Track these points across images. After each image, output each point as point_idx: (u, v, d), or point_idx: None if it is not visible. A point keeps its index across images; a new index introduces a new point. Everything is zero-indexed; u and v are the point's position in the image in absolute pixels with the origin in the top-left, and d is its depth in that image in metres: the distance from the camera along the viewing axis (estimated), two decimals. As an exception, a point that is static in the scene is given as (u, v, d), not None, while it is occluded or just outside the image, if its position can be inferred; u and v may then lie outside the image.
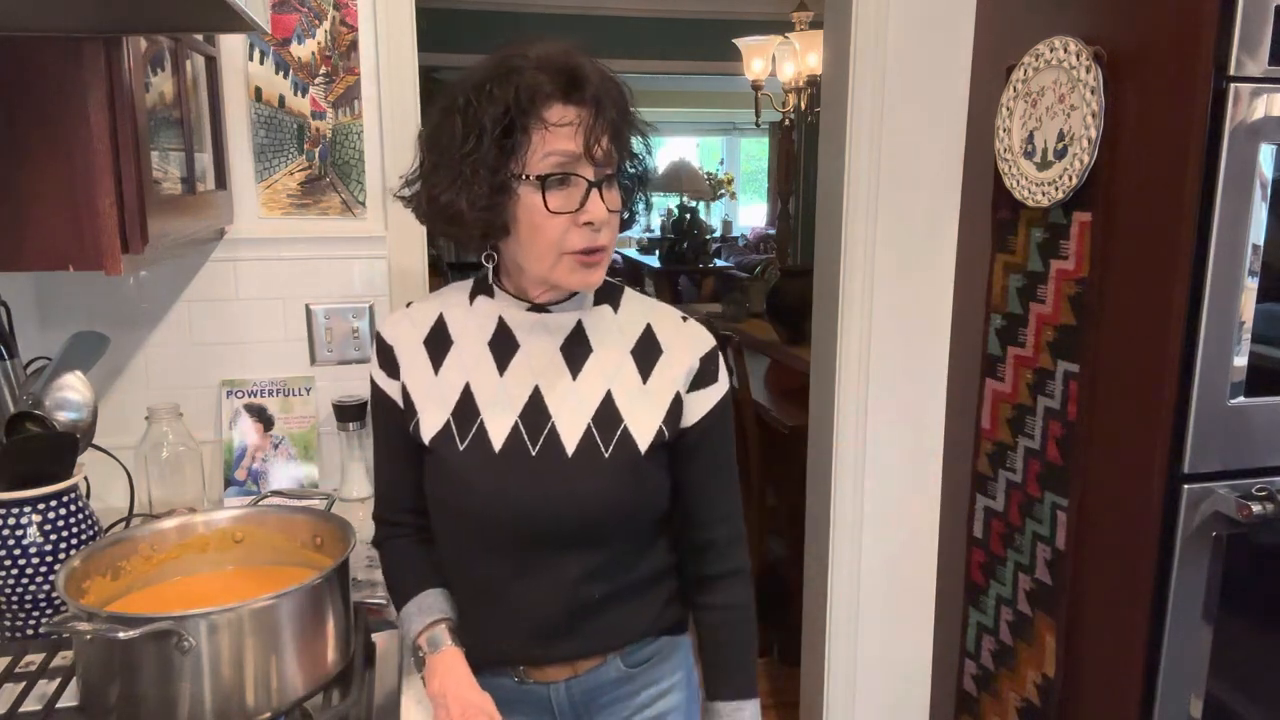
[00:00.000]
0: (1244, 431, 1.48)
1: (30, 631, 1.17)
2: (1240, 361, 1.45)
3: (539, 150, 0.97)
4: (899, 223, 1.95)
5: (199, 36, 1.44)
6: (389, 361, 1.13)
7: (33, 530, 1.16)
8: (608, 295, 1.13)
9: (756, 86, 4.51)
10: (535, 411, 1.06)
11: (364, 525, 1.60)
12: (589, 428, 1.06)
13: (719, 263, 8.22)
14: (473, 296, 1.13)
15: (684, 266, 8.06)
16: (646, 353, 1.10)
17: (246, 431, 1.68)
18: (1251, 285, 1.43)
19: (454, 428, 1.07)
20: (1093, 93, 1.53)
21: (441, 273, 7.35)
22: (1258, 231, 1.42)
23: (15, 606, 1.16)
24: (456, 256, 9.57)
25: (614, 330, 1.11)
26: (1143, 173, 1.48)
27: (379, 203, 1.73)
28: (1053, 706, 1.75)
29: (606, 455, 1.06)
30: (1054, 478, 1.72)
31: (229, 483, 1.68)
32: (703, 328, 1.15)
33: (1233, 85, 1.36)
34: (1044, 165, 1.67)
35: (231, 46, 1.60)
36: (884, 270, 1.96)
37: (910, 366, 2.02)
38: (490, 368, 1.09)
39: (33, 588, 1.16)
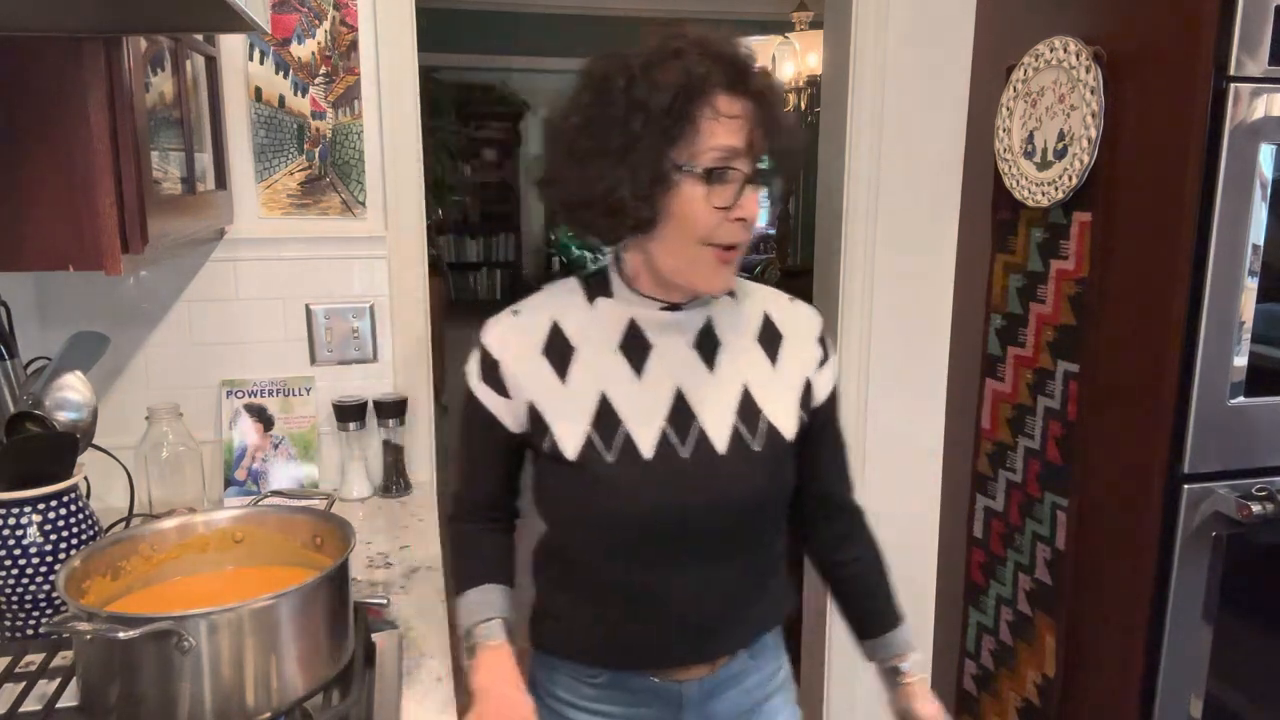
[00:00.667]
0: (1244, 431, 1.48)
1: (30, 631, 1.16)
2: (1240, 361, 1.45)
3: (705, 141, 0.94)
4: (899, 223, 1.95)
5: (199, 36, 1.44)
6: (495, 379, 1.07)
7: (33, 530, 1.16)
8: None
9: (756, 86, 4.50)
10: (680, 413, 1.04)
11: (363, 525, 1.60)
12: (735, 424, 1.04)
13: (719, 263, 8.20)
14: (591, 299, 1.08)
15: (684, 266, 8.04)
16: (770, 340, 1.09)
17: (246, 431, 1.68)
18: (1251, 285, 1.43)
19: (598, 440, 1.03)
20: (1093, 93, 1.53)
21: (441, 273, 7.35)
22: (1258, 231, 1.42)
23: (15, 606, 1.16)
24: (456, 256, 9.58)
25: (739, 321, 1.09)
26: (1143, 173, 1.48)
27: (379, 203, 1.73)
28: (1053, 706, 1.75)
29: (757, 449, 1.04)
30: (1054, 478, 1.72)
31: (229, 483, 1.68)
32: (807, 305, 1.15)
33: (1233, 85, 1.36)
34: (1044, 165, 1.67)
35: (231, 46, 1.60)
36: (884, 270, 1.96)
37: (910, 366, 2.02)
38: (625, 373, 1.04)
39: (33, 588, 1.16)
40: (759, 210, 0.98)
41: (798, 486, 1.12)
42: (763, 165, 0.97)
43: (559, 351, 1.05)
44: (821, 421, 1.12)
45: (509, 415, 1.07)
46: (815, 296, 2.11)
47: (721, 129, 0.94)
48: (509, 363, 1.06)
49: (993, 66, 1.83)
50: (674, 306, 1.05)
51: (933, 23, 1.89)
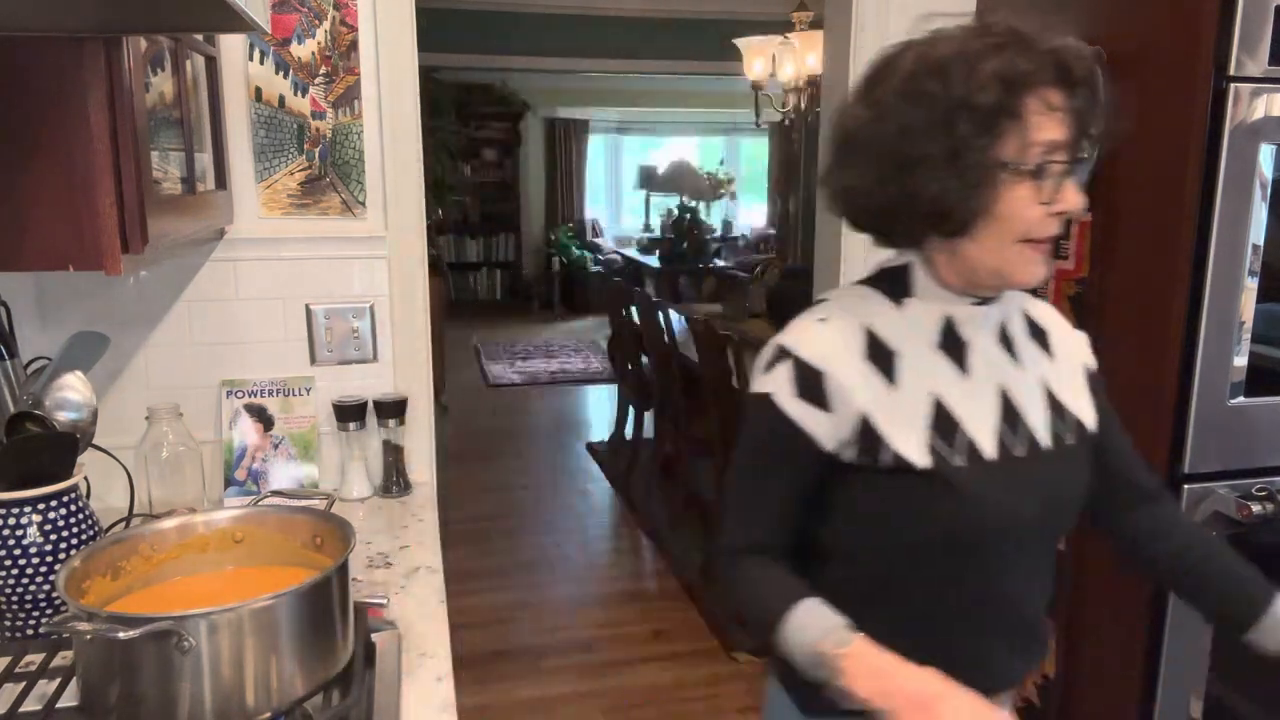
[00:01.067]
0: (1244, 431, 1.48)
1: (30, 631, 1.17)
2: (1240, 361, 1.45)
3: (1029, 137, 0.90)
4: (899, 223, 1.95)
5: (199, 36, 1.44)
6: (814, 392, 0.97)
7: (33, 530, 1.16)
8: None
9: (756, 87, 4.51)
10: (1008, 410, 1.00)
11: (363, 525, 1.60)
12: (1050, 419, 1.02)
13: (719, 263, 8.22)
14: (895, 299, 1.02)
15: (684, 266, 8.08)
16: (1039, 335, 1.07)
17: (246, 431, 1.68)
18: (1251, 285, 1.43)
19: (941, 445, 0.96)
20: (1093, 93, 1.53)
21: (441, 273, 7.36)
22: (1258, 231, 1.42)
23: (15, 606, 1.16)
24: (456, 256, 9.59)
25: (1014, 315, 1.06)
26: (1143, 173, 1.48)
27: (379, 203, 1.73)
28: (1053, 706, 1.75)
29: (1071, 443, 1.03)
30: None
31: (229, 483, 1.68)
32: (1035, 298, 1.13)
33: (1233, 85, 1.36)
34: (1044, 165, 1.67)
35: (231, 46, 1.60)
36: (884, 270, 1.96)
37: (910, 366, 2.02)
38: (951, 373, 0.99)
39: (33, 588, 1.16)
40: (1082, 200, 0.93)
41: (1104, 481, 1.08)
42: (1083, 154, 0.94)
43: (881, 357, 0.98)
44: (1103, 407, 1.09)
45: (828, 432, 0.97)
46: (815, 296, 2.11)
47: (1048, 123, 0.91)
48: (834, 373, 0.97)
49: (993, 66, 1.83)
50: (982, 300, 1.01)
51: (932, 23, 1.88)
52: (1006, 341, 1.03)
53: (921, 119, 0.91)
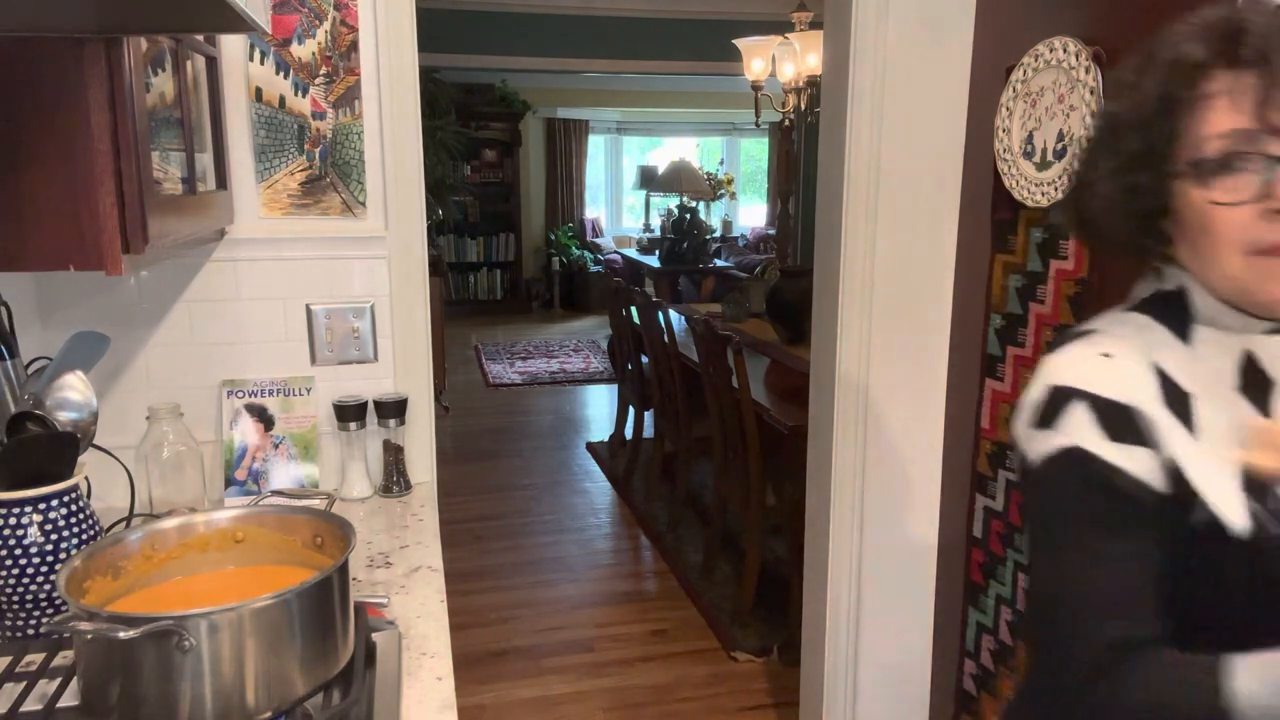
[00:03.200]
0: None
1: (30, 631, 1.17)
2: (1240, 361, 1.45)
3: (1201, 131, 0.80)
4: (899, 223, 1.96)
5: (199, 37, 1.44)
6: (1131, 430, 0.81)
7: (33, 530, 1.16)
8: None
9: (756, 87, 4.52)
10: None
11: (364, 525, 1.60)
12: None
13: (719, 263, 8.23)
14: (1179, 332, 0.88)
15: (684, 266, 8.08)
16: None
17: (247, 431, 1.69)
18: (1251, 285, 1.43)
19: (1257, 507, 0.80)
20: (1092, 93, 1.53)
21: (441, 273, 7.36)
22: (1257, 231, 1.42)
23: (15, 606, 1.16)
24: (456, 256, 9.59)
25: None
26: (1142, 173, 1.48)
27: (379, 203, 1.73)
28: (1052, 706, 1.75)
29: None
30: (1054, 478, 1.72)
31: (229, 483, 1.68)
32: None
33: (1232, 85, 1.36)
34: (1043, 165, 1.67)
35: (232, 47, 1.61)
36: (884, 270, 1.96)
37: (910, 366, 2.02)
38: (1255, 418, 0.84)
39: (33, 588, 1.16)
40: None
41: None
42: None
43: (1175, 400, 0.84)
44: None
45: (1158, 474, 0.81)
46: (815, 296, 2.11)
47: (1213, 113, 0.79)
48: (1144, 409, 0.82)
49: (992, 66, 1.83)
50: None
51: (933, 23, 1.89)
52: None
53: (1118, 112, 0.85)
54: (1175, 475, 0.81)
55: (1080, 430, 0.81)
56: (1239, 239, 0.80)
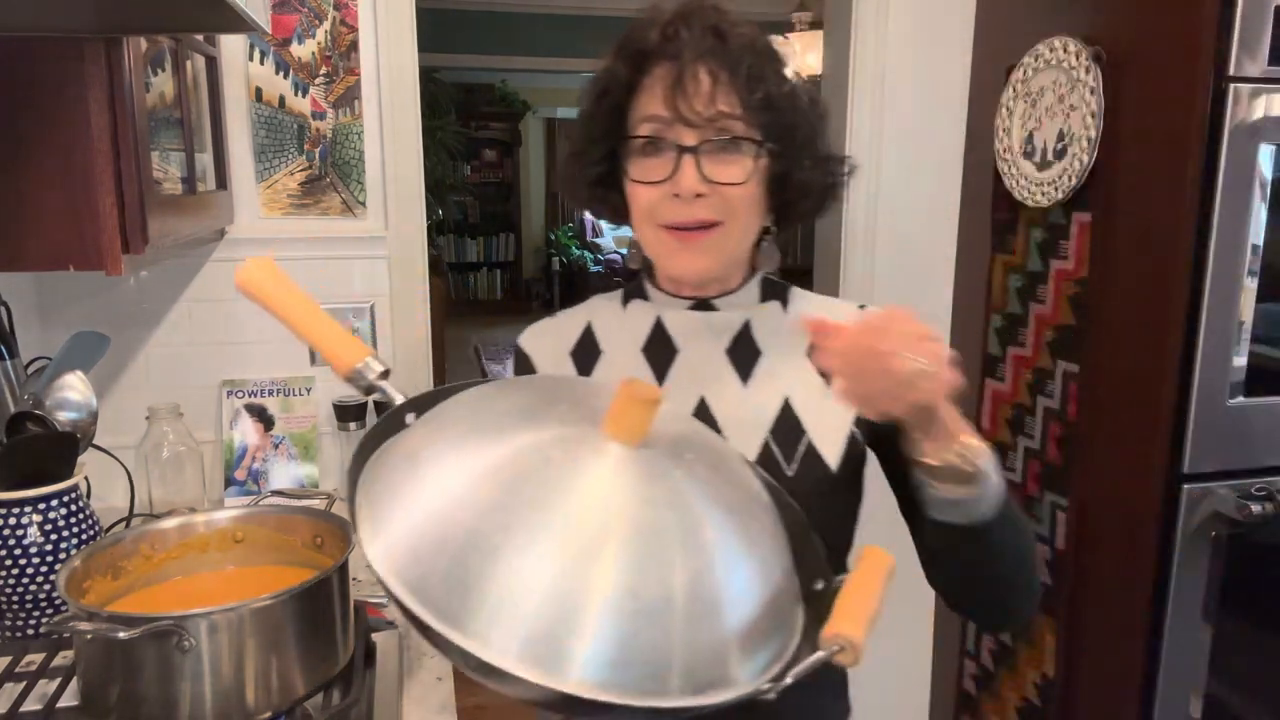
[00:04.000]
0: (1244, 431, 1.48)
1: (30, 631, 1.16)
2: (1240, 361, 1.45)
3: (638, 113, 0.89)
4: (899, 222, 1.96)
5: (199, 37, 1.44)
6: (527, 372, 1.02)
7: (33, 530, 1.16)
8: (775, 291, 1.00)
9: (756, 86, 4.50)
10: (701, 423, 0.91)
11: (364, 525, 1.60)
12: (767, 442, 0.91)
13: (719, 263, 8.20)
14: (625, 300, 1.02)
15: (684, 266, 8.05)
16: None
17: (247, 431, 1.68)
18: (1251, 285, 1.43)
19: None
20: (1092, 93, 1.53)
21: (441, 273, 7.35)
22: (1258, 231, 1.42)
23: (15, 606, 1.16)
24: (456, 256, 9.59)
25: (785, 329, 0.97)
26: (1143, 173, 1.48)
27: (379, 203, 1.73)
28: (1053, 706, 1.75)
29: (790, 474, 0.90)
30: (1054, 478, 1.72)
31: (229, 482, 1.68)
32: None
33: (1233, 85, 1.36)
34: (1044, 165, 1.67)
35: (232, 47, 1.61)
36: (884, 270, 1.96)
37: (910, 366, 2.02)
38: (647, 377, 0.96)
39: (33, 588, 1.16)
40: (705, 185, 0.86)
41: (908, 514, 0.93)
42: (719, 136, 0.86)
43: (585, 354, 1.00)
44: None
45: None
46: (815, 296, 2.11)
47: (647, 98, 0.88)
48: (538, 361, 1.02)
49: (993, 66, 1.83)
50: (704, 304, 0.96)
51: (933, 23, 1.89)
52: (746, 353, 0.95)
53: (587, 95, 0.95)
54: None
55: (512, 367, 1.05)
56: (651, 214, 0.90)
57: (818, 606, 0.72)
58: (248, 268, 0.85)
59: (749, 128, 0.87)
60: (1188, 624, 1.52)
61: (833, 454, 0.92)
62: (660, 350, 0.97)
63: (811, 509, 0.81)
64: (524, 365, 1.03)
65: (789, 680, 0.64)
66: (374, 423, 0.76)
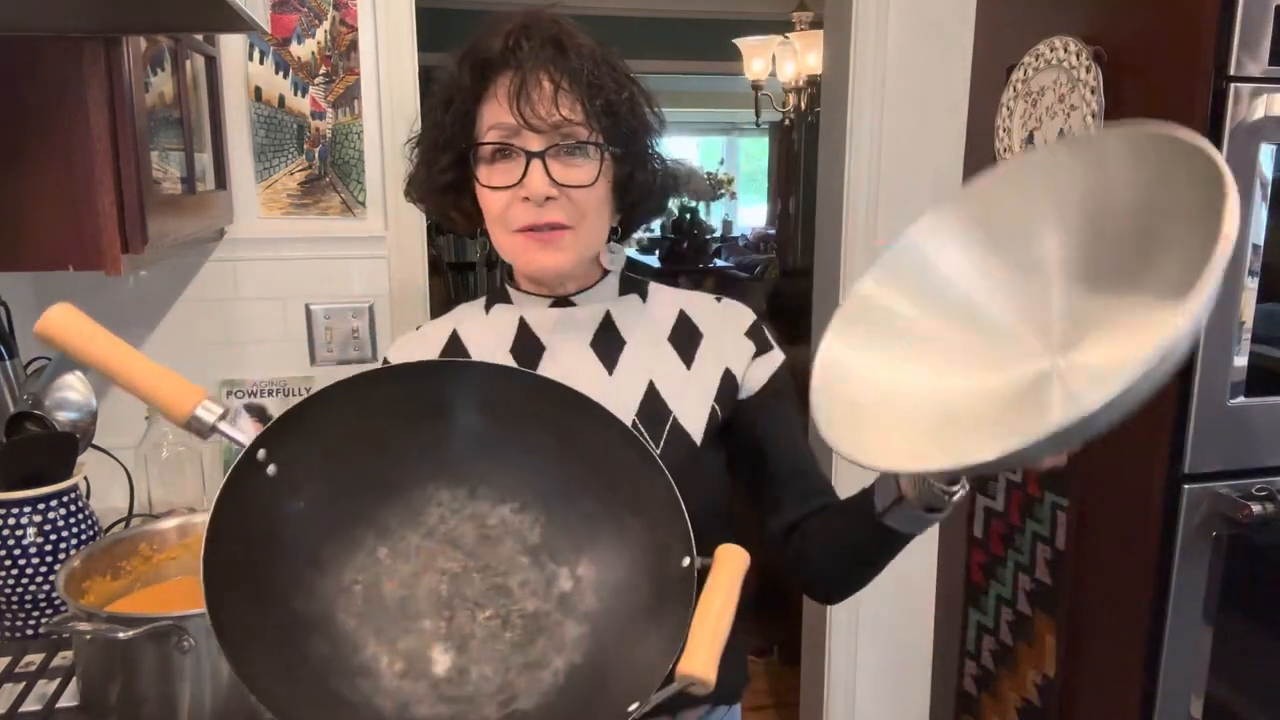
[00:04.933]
0: (1244, 431, 1.48)
1: (30, 631, 1.16)
2: (1240, 361, 1.45)
3: (485, 121, 0.92)
4: (899, 223, 1.94)
5: (199, 36, 1.44)
6: None
7: (32, 530, 1.16)
8: (633, 286, 1.06)
9: (756, 86, 4.51)
10: None
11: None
12: (634, 424, 0.96)
13: (719, 263, 8.22)
14: (488, 306, 1.06)
15: (684, 266, 8.07)
16: (685, 339, 1.02)
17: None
18: (1251, 285, 1.43)
19: None
20: (1093, 92, 1.53)
21: (441, 273, 7.35)
22: (1258, 231, 1.42)
23: (15, 606, 1.16)
24: (456, 256, 9.58)
25: (645, 320, 1.03)
26: (1143, 173, 1.48)
27: (379, 203, 1.73)
28: (1053, 706, 1.75)
29: (658, 451, 0.93)
30: (1054, 478, 1.72)
31: (229, 483, 1.67)
32: (740, 304, 1.08)
33: (1233, 85, 1.36)
34: (1044, 165, 1.67)
35: (231, 46, 1.60)
36: (884, 270, 1.96)
37: (910, 366, 2.02)
38: None
39: (33, 588, 1.16)
40: (555, 188, 0.90)
41: (759, 498, 1.01)
42: (565, 140, 0.90)
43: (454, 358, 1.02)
44: (753, 413, 1.01)
45: None
46: (815, 296, 2.11)
47: (493, 106, 0.90)
48: None
49: (993, 66, 1.83)
50: (564, 301, 1.01)
51: (933, 23, 1.89)
52: (609, 343, 1.00)
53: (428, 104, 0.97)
54: None
55: None
56: (503, 218, 0.92)
57: (681, 585, 0.77)
58: (52, 315, 0.81)
59: (592, 132, 0.91)
60: (1188, 624, 1.51)
61: (696, 429, 0.98)
62: (527, 349, 1.01)
63: (680, 481, 0.85)
64: None
65: (646, 707, 0.69)
66: (219, 494, 0.71)
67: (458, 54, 0.94)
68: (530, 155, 0.89)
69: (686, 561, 0.79)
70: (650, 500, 0.81)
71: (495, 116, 0.90)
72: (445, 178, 0.95)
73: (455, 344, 1.04)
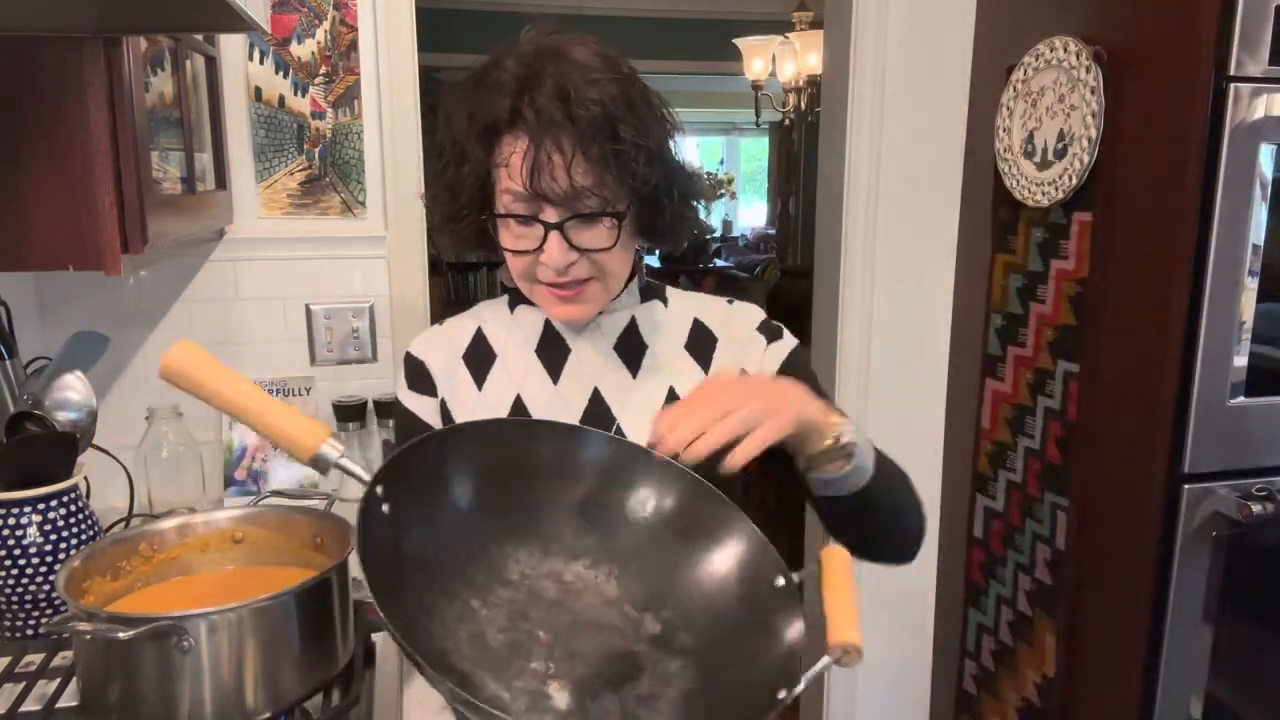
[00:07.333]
0: (1244, 431, 1.48)
1: (30, 631, 1.16)
2: (1240, 361, 1.45)
3: (500, 186, 0.91)
4: (899, 223, 1.95)
5: (199, 36, 1.44)
6: (421, 378, 1.05)
7: (33, 530, 1.15)
8: (654, 292, 1.08)
9: (756, 86, 4.51)
10: (597, 416, 0.99)
11: (364, 525, 1.60)
12: None
13: (719, 263, 8.23)
14: (513, 305, 1.07)
15: (684, 266, 8.07)
16: (701, 345, 1.05)
17: (247, 431, 1.68)
18: (1251, 285, 1.43)
19: None
20: (1093, 93, 1.53)
21: (441, 273, 7.35)
22: (1258, 231, 1.42)
23: (15, 606, 1.16)
24: (456, 256, 9.57)
25: (665, 325, 1.05)
26: (1143, 173, 1.48)
27: (379, 203, 1.73)
28: (1053, 706, 1.75)
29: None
30: (1054, 478, 1.72)
31: (229, 483, 1.67)
32: (749, 304, 1.11)
33: (1233, 85, 1.36)
34: (1044, 165, 1.67)
35: (231, 46, 1.60)
36: (884, 270, 1.96)
37: (910, 366, 2.02)
38: (542, 376, 1.02)
39: (33, 588, 1.15)
40: (573, 255, 0.91)
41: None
42: (582, 211, 0.90)
43: (479, 359, 1.04)
44: None
45: (435, 415, 1.04)
46: (815, 296, 2.11)
47: (506, 173, 0.89)
48: (432, 365, 1.05)
49: (993, 66, 1.83)
50: None
51: (933, 23, 1.89)
52: (632, 348, 1.03)
53: (437, 146, 0.96)
54: (446, 414, 1.02)
55: (400, 381, 1.06)
56: (527, 274, 0.95)
57: (786, 600, 0.81)
58: (174, 353, 0.81)
59: (609, 200, 0.90)
60: (1188, 624, 1.51)
61: None
62: (553, 349, 1.02)
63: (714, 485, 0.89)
64: (417, 372, 1.05)
65: (801, 687, 0.73)
66: (358, 521, 0.74)
67: (464, 111, 0.91)
68: (548, 227, 0.90)
69: (781, 581, 0.82)
70: (727, 535, 0.86)
71: (510, 185, 0.90)
72: (471, 230, 0.97)
73: (480, 342, 1.05)
